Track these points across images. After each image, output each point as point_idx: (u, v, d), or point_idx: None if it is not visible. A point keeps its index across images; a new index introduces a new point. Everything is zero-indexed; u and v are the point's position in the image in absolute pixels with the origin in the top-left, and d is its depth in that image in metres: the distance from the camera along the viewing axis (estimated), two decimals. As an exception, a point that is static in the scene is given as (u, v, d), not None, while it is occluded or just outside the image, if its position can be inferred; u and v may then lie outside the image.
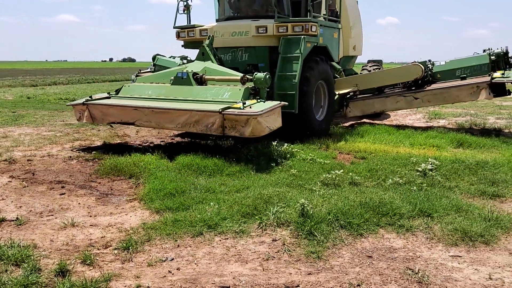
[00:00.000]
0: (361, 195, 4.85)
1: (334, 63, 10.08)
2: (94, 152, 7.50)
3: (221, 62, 8.87)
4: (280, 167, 6.23)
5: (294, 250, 3.79)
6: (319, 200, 4.70)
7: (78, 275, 3.33)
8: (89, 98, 8.29)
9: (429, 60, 10.23)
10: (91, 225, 4.40)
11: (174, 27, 10.03)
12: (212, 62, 8.46)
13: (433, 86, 9.83)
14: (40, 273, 3.31)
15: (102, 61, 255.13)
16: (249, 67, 9.11)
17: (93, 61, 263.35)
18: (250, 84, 7.33)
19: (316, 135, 8.52)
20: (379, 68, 12.30)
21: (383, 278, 3.31)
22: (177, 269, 3.47)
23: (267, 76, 7.18)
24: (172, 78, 8.09)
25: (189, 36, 9.84)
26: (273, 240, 3.97)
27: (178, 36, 10.04)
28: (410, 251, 3.78)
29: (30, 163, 6.86)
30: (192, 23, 9.97)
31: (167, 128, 7.82)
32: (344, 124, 10.77)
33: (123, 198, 5.26)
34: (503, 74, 9.11)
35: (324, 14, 9.70)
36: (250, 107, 6.67)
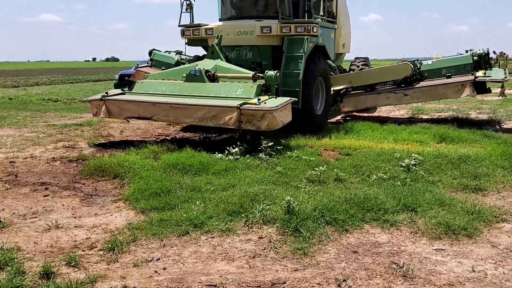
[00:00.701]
0: (346, 191, 4.89)
1: (329, 61, 10.53)
2: (99, 146, 7.42)
3: (227, 60, 9.19)
4: (265, 164, 6.24)
5: (280, 247, 3.81)
6: (305, 197, 4.72)
7: (63, 277, 3.29)
8: (105, 94, 8.66)
9: (417, 59, 10.94)
10: (75, 227, 4.36)
11: (179, 26, 10.35)
12: (222, 60, 8.91)
13: (421, 83, 10.43)
14: (24, 276, 3.27)
15: (85, 60, 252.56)
16: (253, 65, 9.50)
17: (76, 61, 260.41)
18: (261, 81, 7.76)
19: (315, 128, 9.06)
20: (367, 64, 12.91)
21: (369, 273, 3.35)
22: (163, 269, 3.46)
23: (278, 74, 7.70)
24: (185, 75, 8.42)
25: (194, 34, 10.17)
26: (259, 238, 3.98)
27: (183, 34, 10.35)
28: (395, 245, 3.83)
29: (12, 165, 6.76)
30: (195, 22, 10.39)
31: (184, 122, 8.39)
32: (330, 120, 10.91)
33: (108, 199, 5.22)
34: (484, 73, 9.85)
35: (322, 16, 10.28)
36: (265, 103, 7.12)
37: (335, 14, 11.36)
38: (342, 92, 11.06)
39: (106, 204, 5.05)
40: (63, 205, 5.01)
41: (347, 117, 11.65)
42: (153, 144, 7.53)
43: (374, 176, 5.55)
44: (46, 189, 5.58)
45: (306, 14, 9.75)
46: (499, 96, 11.20)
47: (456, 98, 11.58)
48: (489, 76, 9.79)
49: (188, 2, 10.26)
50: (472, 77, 9.79)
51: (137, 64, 12.82)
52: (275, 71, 7.69)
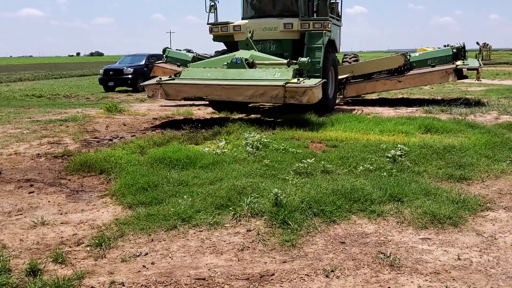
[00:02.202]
0: (333, 183, 4.92)
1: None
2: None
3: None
4: (253, 157, 6.24)
5: (268, 239, 3.82)
6: (292, 189, 4.74)
7: (50, 274, 3.26)
8: (160, 79, 10.06)
9: (407, 52, 13.23)
10: (62, 223, 4.32)
11: (208, 24, 11.95)
12: (255, 50, 10.61)
13: (412, 72, 12.67)
14: (10, 274, 3.23)
15: (69, 55, 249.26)
16: (276, 56, 10.89)
17: (60, 56, 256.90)
18: (294, 66, 9.34)
19: (328, 108, 11.14)
20: (357, 60, 14.74)
21: (356, 263, 3.38)
22: (151, 264, 3.45)
23: (309, 60, 9.41)
24: (226, 63, 9.98)
25: (222, 31, 11.79)
26: (247, 231, 3.99)
27: (211, 31, 11.94)
28: (382, 235, 3.86)
29: (-4, 162, 6.66)
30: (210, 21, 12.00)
31: (235, 100, 9.62)
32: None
33: (95, 195, 5.18)
34: (463, 62, 12.26)
35: (331, 15, 12.08)
36: (304, 82, 8.76)
37: (340, 14, 13.44)
38: (344, 81, 13.02)
39: (92, 200, 5.01)
40: (48, 201, 4.96)
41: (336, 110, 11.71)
42: (139, 139, 7.49)
43: (361, 167, 5.59)
44: (31, 185, 5.51)
45: (317, 13, 11.79)
46: (475, 80, 13.08)
47: (439, 88, 14.15)
48: (467, 65, 12.19)
49: (212, 3, 11.86)
50: (453, 66, 12.12)
51: (155, 63, 14.89)
52: (307, 58, 9.45)
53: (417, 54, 13.12)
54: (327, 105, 10.99)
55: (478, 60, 13.70)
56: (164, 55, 14.38)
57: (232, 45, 11.92)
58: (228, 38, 11.91)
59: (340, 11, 13.44)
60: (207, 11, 11.90)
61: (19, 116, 11.53)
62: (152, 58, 23.05)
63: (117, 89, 21.67)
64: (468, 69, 12.26)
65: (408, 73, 12.60)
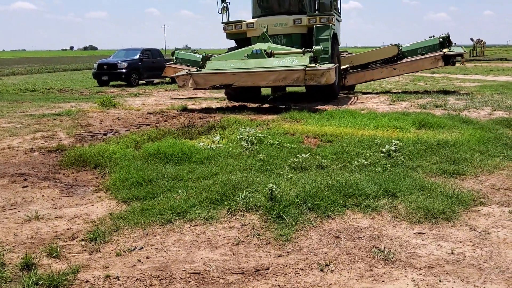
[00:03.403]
0: (328, 178, 4.93)
1: None
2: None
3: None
4: (247, 152, 6.24)
5: (263, 234, 3.83)
6: (287, 184, 4.74)
7: (45, 268, 3.26)
8: (189, 71, 11.37)
9: (399, 43, 14.67)
10: (56, 217, 4.31)
11: (222, 23, 13.48)
12: (271, 43, 12.07)
13: (404, 60, 14.24)
14: (4, 268, 3.22)
15: (63, 49, 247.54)
16: None
17: (53, 50, 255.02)
18: (309, 54, 10.68)
19: (333, 95, 12.65)
20: (350, 54, 16.13)
21: (351, 257, 3.39)
22: (146, 258, 3.45)
23: (322, 48, 11.02)
24: (246, 55, 11.28)
25: (236, 28, 13.37)
26: (242, 225, 4.00)
27: (225, 29, 13.50)
28: (376, 230, 3.88)
29: (-11, 156, 6.62)
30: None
31: (260, 85, 11.25)
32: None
33: (89, 189, 5.17)
34: (449, 49, 13.90)
35: (334, 11, 13.48)
36: (321, 66, 10.14)
37: (339, 10, 14.75)
38: (343, 71, 14.08)
39: (87, 194, 5.00)
40: (42, 196, 4.94)
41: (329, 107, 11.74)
42: (134, 133, 7.46)
43: (355, 162, 5.60)
44: (25, 180, 5.48)
45: (319, 10, 13.39)
46: (460, 64, 15.32)
47: (431, 68, 15.69)
48: (453, 51, 13.86)
49: (224, 5, 13.28)
50: (441, 53, 13.77)
51: (166, 63, 16.82)
52: (321, 46, 11.07)
53: (408, 44, 14.57)
54: (333, 92, 12.51)
55: (462, 47, 15.22)
56: (174, 57, 15.82)
57: (243, 42, 13.39)
58: (241, 35, 13.47)
59: (339, 7, 14.74)
60: (219, 12, 13.38)
61: (12, 110, 11.46)
62: (147, 53, 22.97)
63: (111, 83, 21.59)
64: (453, 55, 13.80)
65: (401, 61, 14.17)
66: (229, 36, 13.73)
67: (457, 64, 15.51)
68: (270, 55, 11.16)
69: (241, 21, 13.33)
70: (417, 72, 16.71)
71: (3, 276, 3.09)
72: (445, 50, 13.78)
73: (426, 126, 8.04)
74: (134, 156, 6.10)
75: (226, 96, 13.76)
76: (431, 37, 14.59)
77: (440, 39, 14.13)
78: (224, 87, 11.57)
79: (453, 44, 14.45)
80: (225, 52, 13.25)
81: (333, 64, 10.71)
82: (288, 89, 15.38)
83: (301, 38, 13.00)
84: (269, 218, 4.05)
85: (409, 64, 14.12)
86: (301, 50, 11.10)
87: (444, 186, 4.77)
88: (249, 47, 11.94)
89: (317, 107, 10.94)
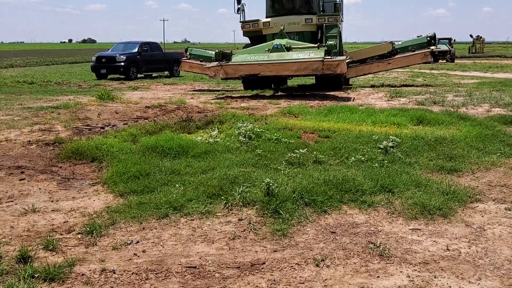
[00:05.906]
0: (325, 173, 4.94)
1: None
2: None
3: None
4: (245, 147, 6.24)
5: (260, 228, 3.83)
6: (284, 179, 4.75)
7: (41, 261, 3.26)
8: (220, 62, 12.72)
9: (393, 41, 16.55)
10: (53, 210, 4.31)
11: (240, 22, 15.47)
12: (288, 39, 13.64)
13: (398, 56, 15.81)
14: (0, 261, 3.23)
15: (61, 42, 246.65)
16: None
17: (52, 42, 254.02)
18: (323, 48, 12.35)
19: (340, 84, 14.44)
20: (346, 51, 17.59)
21: (346, 252, 3.40)
22: (142, 252, 3.45)
23: (335, 42, 12.65)
24: (267, 49, 12.89)
25: (253, 27, 15.33)
26: (239, 220, 4.00)
27: (242, 27, 15.48)
28: (372, 225, 3.89)
29: (-14, 148, 6.61)
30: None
31: (283, 74, 13.14)
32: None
33: (86, 182, 5.16)
34: (436, 47, 15.66)
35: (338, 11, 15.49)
36: (336, 57, 11.86)
37: (342, 11, 16.13)
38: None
39: (84, 187, 5.00)
40: (39, 188, 4.94)
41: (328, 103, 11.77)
42: (131, 127, 7.45)
43: (353, 158, 5.61)
44: (22, 172, 5.48)
45: (323, 11, 15.43)
46: (447, 61, 16.95)
47: (420, 63, 17.68)
48: (439, 49, 15.76)
49: (239, 6, 15.24)
50: (429, 50, 15.42)
51: (181, 59, 17.80)
52: (334, 40, 12.78)
53: (400, 42, 16.26)
54: (340, 82, 14.38)
55: (447, 45, 17.98)
56: (188, 53, 17.16)
57: (258, 39, 15.13)
58: (256, 32, 15.41)
59: (342, 9, 16.22)
60: (236, 12, 15.28)
61: (10, 102, 11.42)
62: (145, 46, 22.89)
63: (109, 76, 21.52)
64: (439, 52, 15.84)
65: (395, 57, 15.80)
66: (246, 34, 15.72)
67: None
68: (288, 49, 12.66)
69: (257, 20, 15.25)
70: (408, 66, 18.18)
71: (-1, 269, 3.09)
72: (432, 47, 15.56)
73: (424, 123, 8.04)
74: (131, 150, 6.09)
75: (243, 86, 15.24)
76: (418, 36, 16.75)
77: (428, 38, 15.76)
78: (251, 76, 12.78)
79: (438, 42, 16.58)
80: (243, 48, 15.21)
81: (345, 56, 12.47)
82: (289, 83, 17.00)
83: (311, 35, 15.02)
84: (265, 213, 4.06)
85: (402, 59, 15.76)
86: (315, 45, 12.82)
87: (440, 183, 4.78)
88: (269, 42, 13.50)
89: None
